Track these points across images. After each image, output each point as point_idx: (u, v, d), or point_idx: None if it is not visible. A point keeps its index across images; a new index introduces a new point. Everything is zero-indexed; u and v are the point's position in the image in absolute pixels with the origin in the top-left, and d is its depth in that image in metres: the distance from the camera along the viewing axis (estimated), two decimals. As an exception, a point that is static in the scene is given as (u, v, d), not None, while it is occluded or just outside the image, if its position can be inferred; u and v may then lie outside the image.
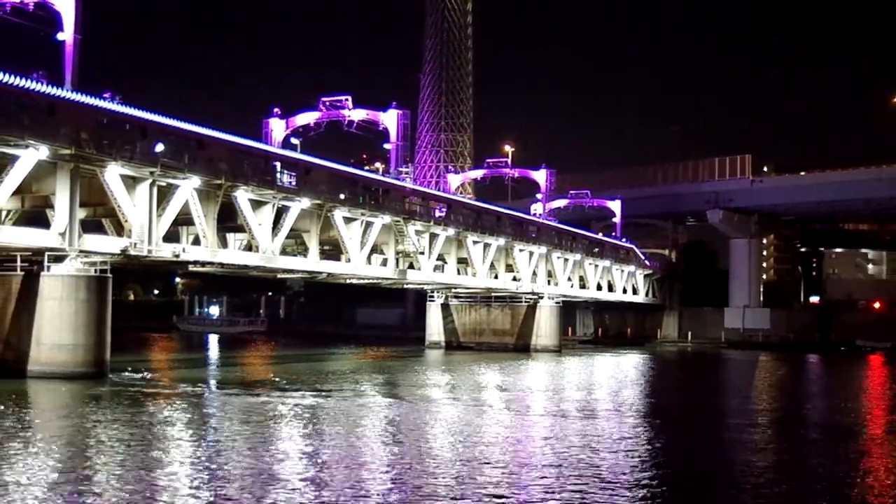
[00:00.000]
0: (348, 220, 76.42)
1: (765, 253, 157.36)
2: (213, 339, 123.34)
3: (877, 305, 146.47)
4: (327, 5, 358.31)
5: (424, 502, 23.76)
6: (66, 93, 52.48)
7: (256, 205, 66.42)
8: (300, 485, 25.54)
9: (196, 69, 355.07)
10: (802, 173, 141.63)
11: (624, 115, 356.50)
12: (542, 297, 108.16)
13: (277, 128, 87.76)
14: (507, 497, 24.57)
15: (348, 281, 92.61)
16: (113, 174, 54.82)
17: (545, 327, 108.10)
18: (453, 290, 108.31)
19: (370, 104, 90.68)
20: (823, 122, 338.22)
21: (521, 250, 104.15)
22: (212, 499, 23.33)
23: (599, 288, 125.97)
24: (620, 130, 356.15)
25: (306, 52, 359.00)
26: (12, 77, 48.69)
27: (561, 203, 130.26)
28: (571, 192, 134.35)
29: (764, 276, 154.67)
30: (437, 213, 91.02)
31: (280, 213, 68.49)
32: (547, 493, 25.28)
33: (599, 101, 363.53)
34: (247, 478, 26.04)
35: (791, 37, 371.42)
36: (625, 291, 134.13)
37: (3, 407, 40.12)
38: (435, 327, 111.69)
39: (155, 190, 57.74)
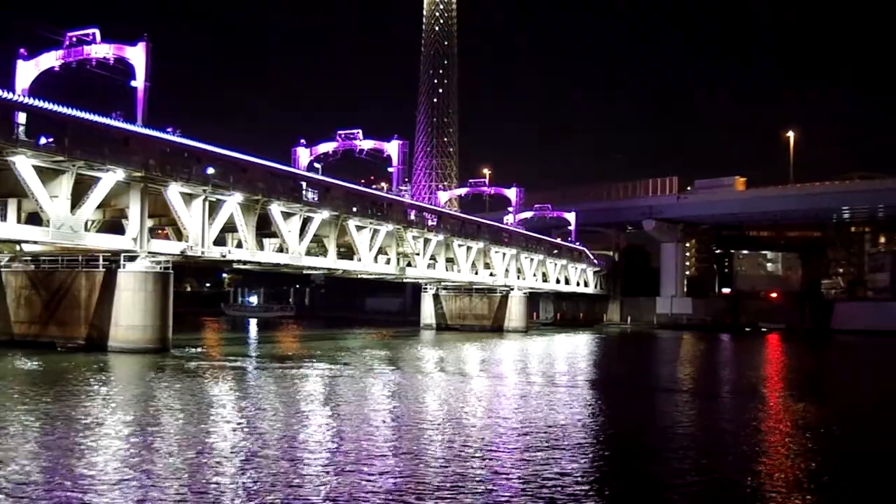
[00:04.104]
0: (359, 228, 77.03)
1: (688, 254, 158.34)
2: (253, 322, 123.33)
3: (774, 295, 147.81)
4: (339, 57, 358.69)
5: (419, 449, 24.41)
6: (137, 128, 53.08)
7: (287, 216, 67.00)
8: (321, 437, 26.22)
9: (229, 106, 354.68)
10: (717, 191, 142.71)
11: (579, 144, 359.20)
12: (513, 289, 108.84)
13: (303, 155, 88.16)
14: (480, 442, 25.26)
15: (359, 276, 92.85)
16: (174, 192, 55.36)
17: (515, 312, 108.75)
18: (442, 284, 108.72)
19: (376, 134, 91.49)
20: (738, 145, 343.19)
21: (496, 252, 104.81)
22: (251, 443, 23.97)
23: (558, 282, 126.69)
24: (576, 156, 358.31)
25: (322, 88, 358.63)
26: (97, 116, 49.63)
27: (528, 214, 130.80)
28: (536, 205, 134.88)
29: (687, 272, 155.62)
30: (430, 223, 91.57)
31: (305, 222, 69.00)
32: (514, 442, 25.95)
33: (559, 134, 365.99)
34: (279, 426, 26.70)
35: (712, 74, 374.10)
36: (578, 284, 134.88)
37: (95, 372, 40.64)
38: (428, 313, 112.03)
39: (207, 204, 58.28)
